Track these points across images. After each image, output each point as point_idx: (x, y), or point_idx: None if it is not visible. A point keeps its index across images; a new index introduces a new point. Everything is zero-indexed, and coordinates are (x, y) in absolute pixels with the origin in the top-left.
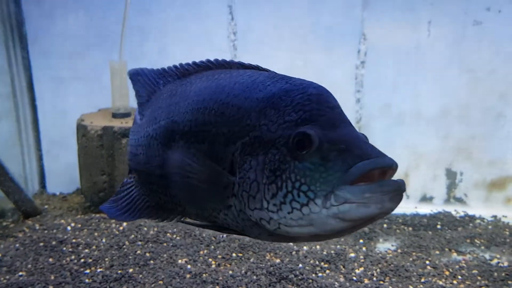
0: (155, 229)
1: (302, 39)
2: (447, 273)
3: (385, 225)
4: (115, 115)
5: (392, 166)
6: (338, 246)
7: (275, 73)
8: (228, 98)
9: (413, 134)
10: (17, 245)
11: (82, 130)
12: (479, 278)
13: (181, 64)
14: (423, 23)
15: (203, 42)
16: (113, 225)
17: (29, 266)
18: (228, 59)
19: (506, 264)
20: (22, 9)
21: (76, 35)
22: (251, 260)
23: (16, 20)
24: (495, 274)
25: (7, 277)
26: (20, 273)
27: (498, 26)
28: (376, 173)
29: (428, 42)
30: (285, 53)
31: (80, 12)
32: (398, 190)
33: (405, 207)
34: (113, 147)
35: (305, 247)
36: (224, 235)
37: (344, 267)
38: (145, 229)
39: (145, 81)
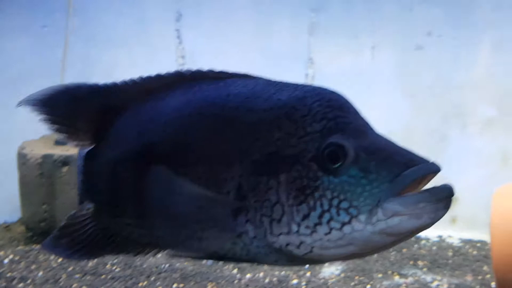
0: (95, 260)
1: (251, 63)
2: None
3: None
4: (57, 142)
5: (438, 171)
6: (282, 273)
7: (271, 79)
8: (224, 112)
9: None
10: None
11: (22, 158)
12: None
13: (140, 78)
14: (367, 48)
15: (151, 66)
16: (52, 257)
17: None
18: None
19: (445, 286)
20: None
21: (20, 61)
22: None
23: None
24: None
25: None
26: None
27: (439, 50)
28: (417, 181)
29: (372, 66)
30: None
31: (24, 38)
32: (450, 196)
33: None
34: (54, 175)
35: (248, 275)
36: (167, 265)
37: None
38: (84, 261)
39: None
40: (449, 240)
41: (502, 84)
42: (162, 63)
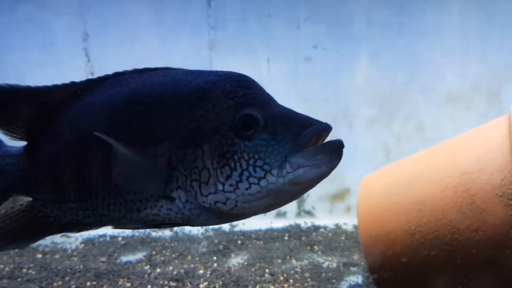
0: (11, 265)
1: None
2: (281, 278)
3: (239, 242)
4: None
5: (330, 129)
6: (192, 265)
7: (188, 69)
8: (151, 98)
9: None
10: None
11: None
12: (309, 280)
13: (70, 82)
14: (263, 61)
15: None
16: None
17: None
18: None
19: (334, 265)
20: None
21: None
22: (104, 287)
23: None
24: (323, 275)
25: None
26: None
27: (324, 61)
28: (315, 138)
29: (269, 77)
30: None
31: None
32: (340, 147)
33: (261, 223)
34: None
35: (158, 270)
36: (81, 266)
37: (190, 283)
38: (1, 266)
39: None
40: (344, 227)
41: (379, 88)
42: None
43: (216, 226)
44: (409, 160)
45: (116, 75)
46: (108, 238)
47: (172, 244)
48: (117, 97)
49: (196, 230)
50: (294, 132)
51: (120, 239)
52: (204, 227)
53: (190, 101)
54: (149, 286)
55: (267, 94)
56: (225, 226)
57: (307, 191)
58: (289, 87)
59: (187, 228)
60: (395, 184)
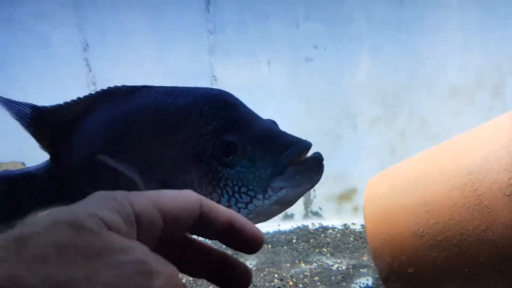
0: None
1: (158, 84)
2: (291, 283)
3: None
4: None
5: (308, 147)
6: None
7: (172, 87)
8: (137, 126)
9: None
10: None
11: None
12: (318, 284)
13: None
14: (264, 63)
15: (62, 94)
16: None
17: None
18: None
19: (344, 267)
20: None
21: None
22: None
23: None
24: (333, 278)
25: None
26: None
27: (325, 60)
28: (296, 158)
29: (270, 79)
30: None
31: None
32: (319, 162)
33: (268, 226)
34: None
35: None
36: None
37: None
38: None
39: None
40: (352, 227)
41: (382, 85)
42: (74, 91)
43: None
44: (414, 161)
45: (106, 94)
46: None
47: None
48: (111, 118)
49: None
50: (273, 156)
51: None
52: None
53: (171, 127)
54: None
55: (247, 111)
56: None
57: (292, 205)
58: (290, 88)
59: None
60: (401, 186)
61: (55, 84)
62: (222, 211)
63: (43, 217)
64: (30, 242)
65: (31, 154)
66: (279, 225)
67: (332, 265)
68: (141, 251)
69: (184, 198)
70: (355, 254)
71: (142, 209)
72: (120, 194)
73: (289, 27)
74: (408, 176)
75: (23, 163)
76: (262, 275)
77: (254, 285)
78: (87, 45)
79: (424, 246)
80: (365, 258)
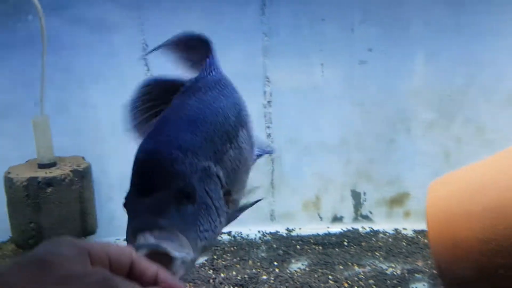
0: None
1: None
2: (346, 285)
3: (298, 247)
4: (41, 166)
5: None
6: (254, 271)
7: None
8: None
9: (319, 162)
10: None
11: (8, 182)
12: (374, 287)
13: None
14: (317, 66)
15: (123, 93)
16: None
17: None
18: None
19: (399, 272)
20: None
21: (1, 93)
22: None
23: None
24: (388, 282)
25: None
26: None
27: (380, 63)
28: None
29: (323, 82)
30: None
31: (4, 74)
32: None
33: (318, 228)
34: (38, 196)
35: (222, 274)
36: None
37: None
38: None
39: None
40: (404, 232)
41: (438, 90)
42: (131, 89)
43: (273, 231)
44: (479, 166)
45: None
46: None
47: (232, 249)
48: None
49: (253, 235)
50: (128, 231)
51: None
52: (261, 232)
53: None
54: None
55: (146, 178)
56: (282, 231)
57: None
58: (344, 91)
59: (245, 232)
60: (466, 191)
61: (116, 84)
62: (150, 269)
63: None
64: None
65: (91, 148)
66: (328, 227)
67: (386, 269)
68: (102, 273)
69: (120, 251)
70: (409, 259)
71: (93, 250)
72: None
73: (343, 30)
74: (473, 181)
75: (83, 158)
76: (316, 275)
77: (310, 286)
78: (146, 45)
79: (490, 252)
80: (419, 263)
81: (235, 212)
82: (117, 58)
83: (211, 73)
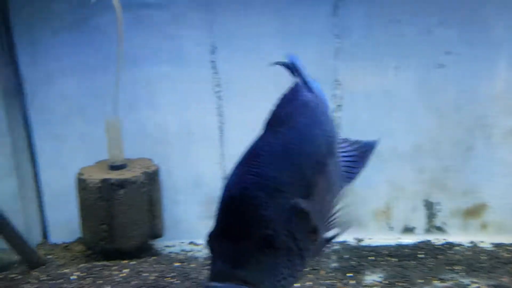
0: (155, 274)
1: (282, 87)
2: None
3: (371, 258)
4: (112, 167)
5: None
6: (328, 281)
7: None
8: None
9: (391, 170)
10: None
11: (81, 183)
12: None
13: None
14: (390, 69)
15: (189, 94)
16: (114, 272)
17: None
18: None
19: None
20: (19, 72)
21: (72, 95)
22: None
23: (14, 84)
24: None
25: None
26: None
27: (459, 67)
28: None
29: (396, 85)
30: (267, 102)
31: (76, 75)
32: None
33: (388, 239)
34: (111, 197)
35: (296, 284)
36: None
37: None
38: (145, 274)
39: None
40: (481, 245)
41: None
42: (200, 92)
43: (341, 240)
44: None
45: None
46: None
47: None
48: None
49: None
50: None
51: None
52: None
53: None
54: None
55: (230, 222)
56: (351, 240)
57: None
58: (418, 95)
59: None
60: None
61: (183, 84)
62: None
63: None
64: None
65: (157, 151)
66: (399, 238)
67: (469, 285)
68: None
69: None
70: (492, 274)
71: None
72: None
73: (420, 32)
74: None
75: (150, 160)
76: None
77: None
78: (215, 47)
79: None
80: (505, 279)
81: (320, 247)
82: (185, 60)
83: (299, 96)
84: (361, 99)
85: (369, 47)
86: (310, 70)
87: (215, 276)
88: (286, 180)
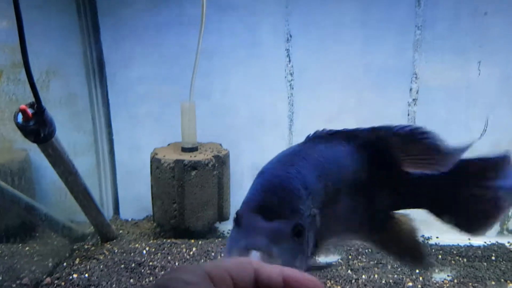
0: (222, 254)
1: (355, 79)
2: None
3: (440, 256)
4: (184, 149)
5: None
6: (396, 276)
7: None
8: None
9: None
10: (101, 266)
11: (156, 162)
12: None
13: None
14: (473, 63)
15: (262, 82)
16: (184, 250)
17: (114, 286)
18: (285, 97)
19: None
20: (103, 54)
21: (150, 78)
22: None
23: (97, 65)
24: None
25: None
26: None
27: None
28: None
29: (478, 81)
30: (339, 93)
31: (154, 58)
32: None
33: (458, 239)
34: (183, 178)
35: (363, 276)
36: None
37: None
38: (213, 254)
39: None
40: None
41: None
42: (273, 80)
43: None
44: None
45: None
46: None
47: (366, 251)
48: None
49: None
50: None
51: None
52: None
53: None
54: None
55: (265, 203)
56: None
57: None
58: (501, 92)
59: None
60: None
61: (256, 72)
62: (274, 271)
63: None
64: None
65: (226, 135)
66: (469, 239)
67: None
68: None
69: (240, 266)
70: None
71: (214, 272)
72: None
73: (508, 25)
74: None
75: (220, 144)
76: None
77: None
78: (290, 36)
79: None
80: None
81: (311, 265)
82: (260, 47)
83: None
84: (438, 94)
85: (452, 39)
86: (388, 61)
87: (251, 247)
88: (317, 190)
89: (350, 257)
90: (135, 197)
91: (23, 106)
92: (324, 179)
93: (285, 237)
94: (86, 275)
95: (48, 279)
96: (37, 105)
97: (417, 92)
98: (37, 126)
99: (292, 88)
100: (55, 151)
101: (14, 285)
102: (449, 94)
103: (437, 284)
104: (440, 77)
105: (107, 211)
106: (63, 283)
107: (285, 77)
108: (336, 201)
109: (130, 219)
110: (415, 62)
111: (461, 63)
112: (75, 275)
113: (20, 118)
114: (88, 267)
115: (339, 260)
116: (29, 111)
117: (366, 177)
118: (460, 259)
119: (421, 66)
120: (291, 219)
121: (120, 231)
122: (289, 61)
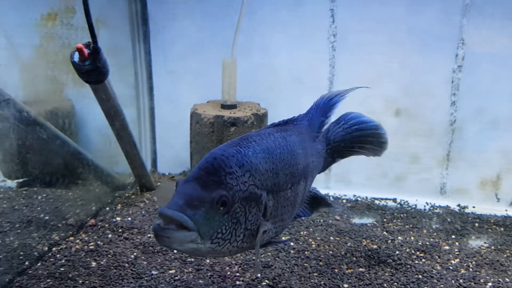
0: None
1: (399, 42)
2: None
3: (476, 224)
4: (223, 106)
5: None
6: (432, 239)
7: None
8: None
9: (506, 139)
10: (143, 212)
11: (196, 117)
12: None
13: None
14: None
15: (303, 42)
16: None
17: None
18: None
19: None
20: (147, 9)
21: (191, 35)
22: (348, 244)
23: (141, 19)
24: None
25: (139, 237)
26: (149, 235)
27: None
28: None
29: None
30: (381, 56)
31: (197, 15)
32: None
33: (495, 209)
34: (223, 133)
35: (399, 237)
36: (321, 220)
37: (439, 257)
38: None
39: None
40: None
41: None
42: (315, 41)
43: (443, 204)
44: None
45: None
46: (331, 199)
47: (401, 215)
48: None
49: (421, 206)
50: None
51: (344, 201)
52: (429, 204)
53: None
54: (397, 252)
55: (199, 173)
56: (453, 206)
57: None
58: None
59: (411, 202)
60: None
61: (299, 32)
62: None
63: None
64: None
65: (265, 96)
66: (506, 210)
67: None
68: None
69: None
70: None
71: None
72: None
73: None
74: None
75: (258, 104)
76: (505, 255)
77: (501, 264)
78: None
79: None
80: None
81: (261, 242)
82: (303, 8)
83: (303, 122)
84: (485, 61)
85: (504, 5)
86: (434, 27)
87: (169, 205)
88: (260, 171)
89: (384, 220)
90: (173, 151)
91: (79, 45)
92: (272, 163)
93: (206, 204)
94: (129, 218)
95: (93, 221)
96: (93, 45)
97: (462, 59)
98: (92, 66)
99: (334, 50)
100: (107, 94)
101: (60, 225)
102: (497, 62)
103: (474, 249)
104: (488, 44)
105: (146, 164)
106: (107, 225)
107: (328, 38)
108: (291, 184)
109: (167, 173)
110: (463, 27)
111: (510, 29)
112: (118, 218)
113: (76, 57)
114: (130, 211)
115: (374, 222)
116: (86, 51)
117: (315, 163)
118: (497, 228)
119: (468, 32)
120: (216, 191)
121: (158, 183)
122: (333, 21)
